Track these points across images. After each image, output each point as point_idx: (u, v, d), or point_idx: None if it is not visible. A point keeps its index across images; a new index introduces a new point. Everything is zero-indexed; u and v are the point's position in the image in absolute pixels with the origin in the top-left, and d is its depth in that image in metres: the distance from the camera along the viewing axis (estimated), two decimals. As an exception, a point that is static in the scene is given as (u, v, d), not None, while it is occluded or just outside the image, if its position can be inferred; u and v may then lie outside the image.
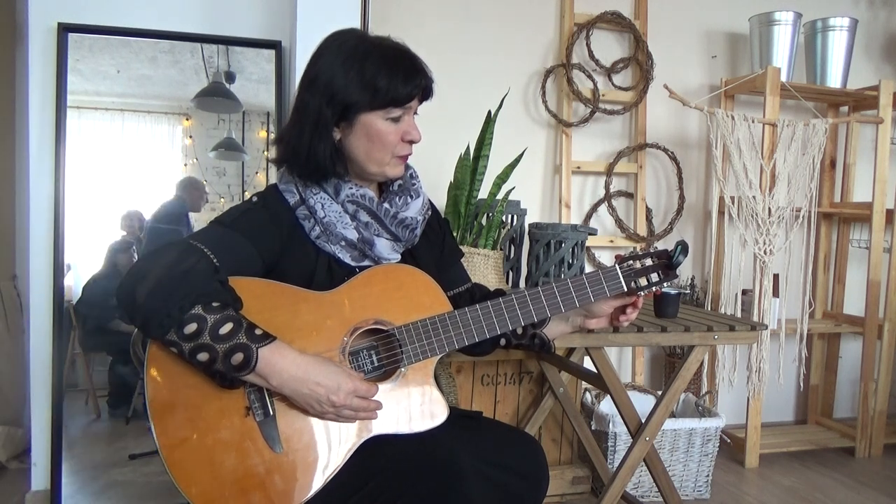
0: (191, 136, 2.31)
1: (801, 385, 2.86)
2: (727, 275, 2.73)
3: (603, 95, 2.79)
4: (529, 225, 2.18)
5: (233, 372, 1.10)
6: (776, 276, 2.69)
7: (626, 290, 1.34)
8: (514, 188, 2.22)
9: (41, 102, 2.13)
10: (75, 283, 2.20)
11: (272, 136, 2.33)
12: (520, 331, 1.45)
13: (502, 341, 1.47)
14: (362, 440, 1.20)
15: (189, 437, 1.13)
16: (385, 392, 1.23)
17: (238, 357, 1.09)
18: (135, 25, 2.18)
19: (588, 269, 2.43)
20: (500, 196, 2.16)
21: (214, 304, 1.10)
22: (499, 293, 1.38)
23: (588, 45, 2.77)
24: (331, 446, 1.18)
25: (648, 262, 1.35)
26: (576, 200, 2.86)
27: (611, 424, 2.29)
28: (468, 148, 2.17)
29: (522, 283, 2.27)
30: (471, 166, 2.11)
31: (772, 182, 2.66)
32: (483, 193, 2.17)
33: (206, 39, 2.24)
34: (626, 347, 2.91)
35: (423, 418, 1.24)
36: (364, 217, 1.31)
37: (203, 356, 1.08)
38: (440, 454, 1.17)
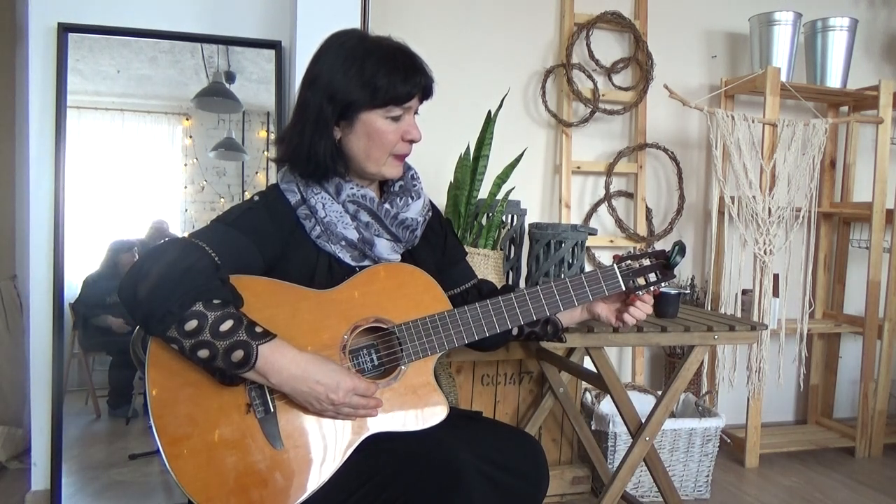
0: (191, 136, 2.31)
1: (801, 385, 2.86)
2: (727, 275, 2.73)
3: (603, 95, 2.79)
4: (529, 225, 2.18)
5: (232, 369, 1.11)
6: (776, 276, 2.69)
7: (624, 289, 1.35)
8: (514, 188, 2.22)
9: (41, 102, 2.13)
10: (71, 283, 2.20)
11: (272, 136, 2.33)
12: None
13: (514, 331, 1.47)
14: (362, 438, 1.20)
15: (190, 435, 1.13)
16: (385, 390, 1.23)
17: (238, 354, 1.09)
18: (135, 25, 2.18)
19: (588, 269, 2.43)
20: (500, 196, 2.16)
21: (215, 302, 1.10)
22: (506, 289, 1.39)
23: (588, 45, 2.77)
24: (331, 444, 1.18)
25: (646, 262, 1.36)
26: (576, 200, 2.86)
27: (611, 424, 2.29)
28: (468, 148, 2.17)
29: (522, 283, 2.27)
30: (471, 166, 2.11)
31: (772, 182, 2.66)
32: (483, 193, 2.17)
33: (206, 39, 2.24)
34: (626, 347, 2.91)
35: (422, 417, 1.24)
36: (364, 217, 1.31)
37: (203, 353, 1.09)
38: (440, 453, 1.17)
